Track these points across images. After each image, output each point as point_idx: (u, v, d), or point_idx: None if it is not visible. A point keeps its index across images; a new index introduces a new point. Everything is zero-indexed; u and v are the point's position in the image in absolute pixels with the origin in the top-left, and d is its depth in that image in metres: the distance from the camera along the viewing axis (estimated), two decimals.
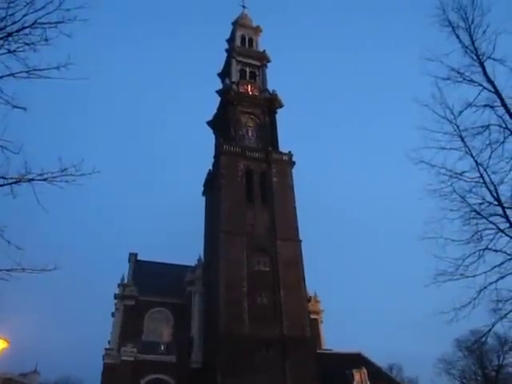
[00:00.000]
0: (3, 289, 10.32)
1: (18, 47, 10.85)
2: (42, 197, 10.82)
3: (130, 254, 50.63)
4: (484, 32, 14.85)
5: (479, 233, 14.61)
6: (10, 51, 10.80)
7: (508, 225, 14.10)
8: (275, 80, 58.48)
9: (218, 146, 49.32)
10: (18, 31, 10.78)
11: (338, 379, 37.87)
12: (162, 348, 42.29)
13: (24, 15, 10.73)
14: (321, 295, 52.05)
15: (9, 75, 10.76)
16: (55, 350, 66.82)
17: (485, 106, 14.72)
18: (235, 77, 55.26)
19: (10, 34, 10.75)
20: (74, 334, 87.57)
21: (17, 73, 10.83)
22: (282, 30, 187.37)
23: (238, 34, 61.29)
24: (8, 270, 10.30)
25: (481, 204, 14.61)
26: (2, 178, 10.43)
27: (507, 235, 14.18)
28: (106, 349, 41.55)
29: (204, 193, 53.85)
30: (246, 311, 37.79)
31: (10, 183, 10.53)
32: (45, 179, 10.71)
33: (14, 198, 10.60)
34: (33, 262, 10.46)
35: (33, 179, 10.64)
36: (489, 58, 14.78)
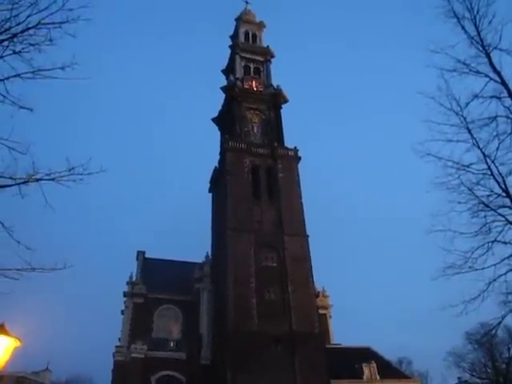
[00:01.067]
0: (14, 288, 10.41)
1: (22, 48, 10.89)
2: (49, 196, 10.90)
3: (138, 252, 50.95)
4: (490, 22, 14.65)
5: (487, 225, 14.49)
6: (15, 52, 10.85)
7: None
8: (280, 75, 58.41)
9: (223, 143, 49.33)
10: (22, 32, 10.81)
11: (348, 374, 37.91)
12: (172, 345, 42.56)
13: (28, 16, 10.76)
14: (329, 290, 52.20)
15: (15, 76, 10.82)
16: (66, 349, 67.54)
17: (491, 97, 14.57)
18: (239, 73, 55.16)
19: (14, 35, 10.78)
20: (84, 332, 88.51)
21: (22, 73, 10.88)
22: (286, 24, 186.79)
23: (242, 29, 61.10)
24: (18, 270, 10.38)
25: (489, 196, 14.49)
26: (11, 178, 10.49)
27: None
28: (116, 346, 41.93)
29: (210, 190, 53.95)
30: (255, 307, 37.87)
31: (18, 183, 10.60)
32: (52, 179, 10.76)
33: (23, 198, 10.68)
34: (42, 261, 10.54)
35: (40, 179, 10.69)
36: (495, 48, 14.60)
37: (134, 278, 46.69)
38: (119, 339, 43.13)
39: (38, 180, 10.67)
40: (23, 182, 10.61)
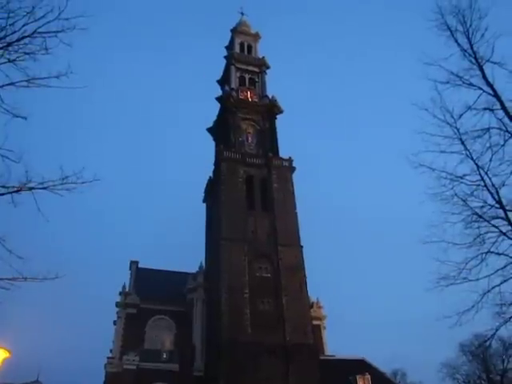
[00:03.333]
0: (5, 298, 10.28)
1: (18, 57, 10.90)
2: (42, 205, 10.83)
3: (131, 262, 50.51)
4: (482, 35, 14.92)
5: (481, 236, 14.57)
6: (10, 61, 10.84)
7: (510, 227, 14.06)
8: (275, 85, 58.68)
9: (218, 153, 49.38)
10: (17, 41, 10.82)
11: None
12: (165, 356, 41.96)
13: (24, 25, 10.79)
14: (323, 301, 51.85)
15: (9, 84, 10.80)
16: (57, 360, 66.50)
17: (484, 109, 14.75)
18: (235, 83, 55.47)
19: (10, 44, 10.79)
20: (75, 342, 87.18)
21: (17, 82, 10.86)
22: (281, 34, 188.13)
23: (237, 41, 61.62)
24: (10, 279, 10.27)
25: (482, 207, 14.59)
26: (3, 187, 10.44)
27: (509, 238, 14.15)
28: (108, 357, 41.32)
29: (205, 200, 53.86)
30: (248, 318, 37.63)
31: (11, 192, 10.54)
32: (45, 188, 10.72)
33: (15, 206, 10.61)
34: (34, 270, 10.44)
35: (33, 188, 10.65)
36: (488, 61, 14.82)
37: (126, 288, 46.17)
38: (111, 350, 42.57)
39: (30, 189, 10.62)
40: (16, 191, 10.55)
